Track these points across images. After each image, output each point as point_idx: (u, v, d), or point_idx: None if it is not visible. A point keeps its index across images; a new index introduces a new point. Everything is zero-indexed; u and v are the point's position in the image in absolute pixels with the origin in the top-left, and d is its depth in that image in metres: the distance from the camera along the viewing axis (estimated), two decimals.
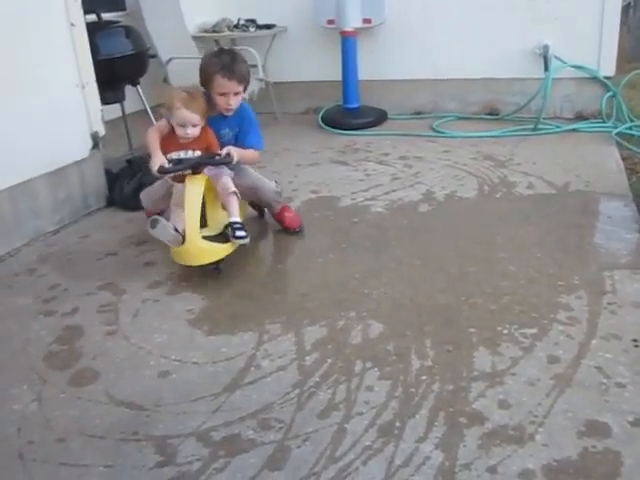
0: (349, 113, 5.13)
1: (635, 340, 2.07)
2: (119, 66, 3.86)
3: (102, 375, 2.06)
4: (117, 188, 3.62)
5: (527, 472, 1.56)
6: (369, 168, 4.06)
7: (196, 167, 2.64)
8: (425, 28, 5.09)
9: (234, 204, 2.70)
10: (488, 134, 4.65)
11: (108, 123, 3.72)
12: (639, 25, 7.50)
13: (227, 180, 2.73)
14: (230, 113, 2.83)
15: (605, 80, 4.78)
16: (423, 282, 2.54)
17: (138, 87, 4.16)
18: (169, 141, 2.72)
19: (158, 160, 2.63)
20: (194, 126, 2.66)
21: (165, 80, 4.48)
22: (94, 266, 2.87)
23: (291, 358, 2.08)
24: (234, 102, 2.80)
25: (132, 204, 3.53)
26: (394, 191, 3.60)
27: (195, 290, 2.58)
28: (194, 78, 4.57)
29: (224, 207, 2.76)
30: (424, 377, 1.94)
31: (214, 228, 2.73)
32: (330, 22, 5.09)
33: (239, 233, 2.65)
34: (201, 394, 1.93)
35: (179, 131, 2.68)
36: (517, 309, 2.30)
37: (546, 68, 4.77)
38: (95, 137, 3.53)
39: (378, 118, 5.17)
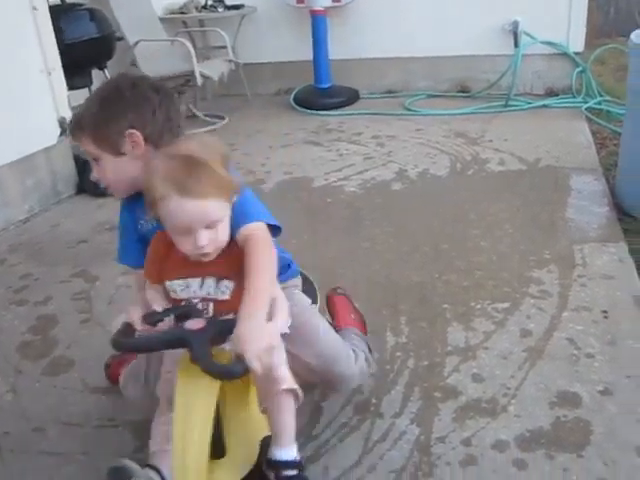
0: (321, 93, 5.10)
1: (604, 311, 2.11)
2: (85, 50, 3.80)
3: (77, 363, 2.05)
4: (87, 174, 3.56)
5: (501, 443, 1.60)
6: (342, 148, 4.05)
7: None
8: (395, 6, 5.06)
9: (289, 415, 1.40)
10: (459, 112, 4.66)
11: (76, 109, 3.65)
12: (608, 1, 7.54)
13: (280, 363, 1.37)
14: (111, 189, 1.55)
15: (574, 56, 4.81)
16: (398, 260, 2.56)
17: (105, 71, 4.09)
18: (173, 259, 1.36)
19: (133, 313, 1.34)
20: (210, 227, 1.28)
21: (133, 63, 4.41)
22: (66, 254, 2.84)
23: None
24: (101, 171, 1.51)
25: (102, 190, 3.48)
26: (367, 170, 3.61)
27: None
28: (163, 60, 4.53)
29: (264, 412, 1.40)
30: (399, 354, 1.97)
31: (241, 459, 1.38)
32: (300, 1, 5.04)
33: None
34: None
35: (185, 248, 1.30)
36: (490, 284, 2.33)
37: (516, 44, 4.79)
38: (63, 123, 3.46)
39: (350, 97, 5.15)
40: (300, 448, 1.61)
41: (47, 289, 2.53)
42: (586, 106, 4.48)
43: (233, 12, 5.27)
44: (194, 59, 4.31)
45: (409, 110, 4.81)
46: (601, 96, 4.65)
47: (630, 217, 2.77)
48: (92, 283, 2.55)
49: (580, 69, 4.79)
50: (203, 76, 4.39)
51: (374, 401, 1.77)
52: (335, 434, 1.67)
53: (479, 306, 2.19)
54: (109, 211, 3.27)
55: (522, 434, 1.62)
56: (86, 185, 3.55)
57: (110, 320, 2.22)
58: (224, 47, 4.91)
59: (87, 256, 2.80)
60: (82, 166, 3.61)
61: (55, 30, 3.41)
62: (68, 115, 3.49)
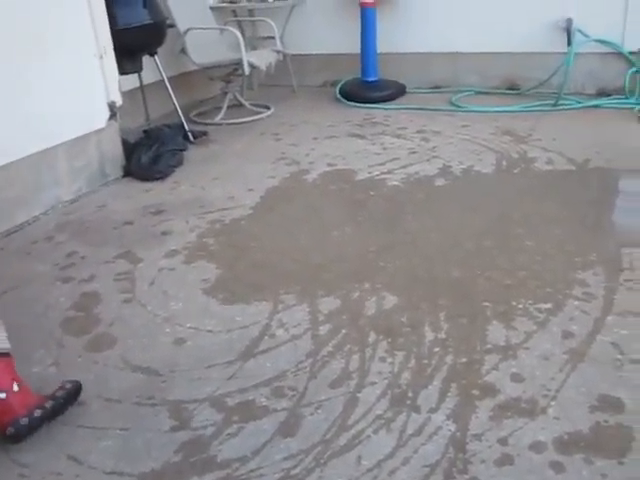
0: (367, 86, 5.08)
1: None
2: (137, 36, 3.85)
3: (119, 341, 2.09)
4: (134, 158, 3.64)
5: (538, 444, 1.57)
6: (386, 142, 4.03)
7: None
8: (445, 0, 5.01)
9: None
10: (507, 109, 4.58)
11: (125, 93, 3.72)
12: None
13: None
14: None
15: (629, 55, 4.68)
16: (438, 256, 2.53)
17: (156, 57, 4.14)
18: None
19: None
20: None
21: (183, 51, 4.46)
22: (111, 235, 2.90)
23: (305, 328, 2.10)
24: None
25: (149, 174, 3.56)
26: (411, 165, 3.58)
27: (211, 259, 2.60)
28: (212, 48, 4.58)
29: None
30: (437, 349, 1.95)
31: None
32: None
33: None
34: (216, 361, 1.95)
35: None
36: (532, 284, 2.29)
37: (569, 42, 4.68)
38: (112, 107, 3.53)
39: (396, 91, 5.12)
40: (334, 437, 1.62)
41: (92, 268, 2.59)
42: (639, 108, 4.36)
43: (283, 3, 5.28)
44: (243, 48, 4.34)
45: (456, 106, 4.76)
46: None
47: None
48: (135, 264, 2.59)
49: (634, 69, 4.65)
50: (251, 65, 4.41)
51: (410, 395, 1.76)
52: (370, 425, 1.66)
53: (521, 305, 2.16)
54: (155, 195, 3.34)
55: (561, 436, 1.59)
56: (133, 169, 3.61)
57: (150, 300, 2.27)
58: (272, 37, 4.92)
59: (132, 238, 2.84)
60: (130, 150, 3.68)
61: (108, 15, 3.47)
62: (118, 99, 3.56)
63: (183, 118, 4.26)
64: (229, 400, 1.78)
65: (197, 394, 1.81)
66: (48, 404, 1.70)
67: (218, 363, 1.94)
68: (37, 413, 1.67)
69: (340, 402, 1.75)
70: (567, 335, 1.99)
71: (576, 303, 2.15)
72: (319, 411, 1.72)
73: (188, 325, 2.15)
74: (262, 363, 1.93)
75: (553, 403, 1.70)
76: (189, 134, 4.18)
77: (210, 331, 2.11)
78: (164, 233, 2.87)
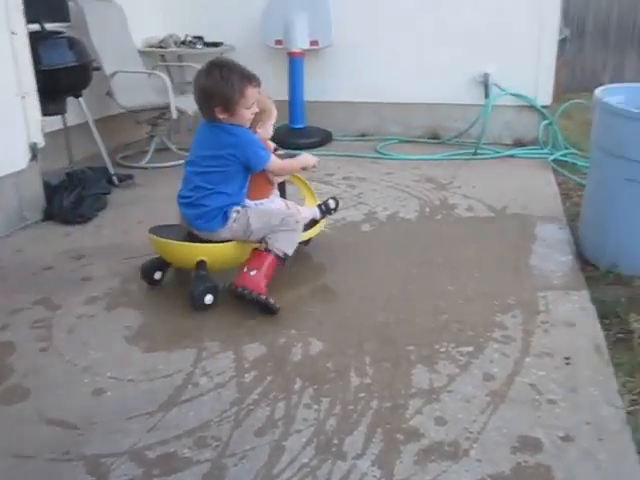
0: (295, 133, 5.16)
1: (567, 358, 2.13)
2: (61, 77, 3.79)
3: (33, 393, 1.99)
4: (56, 201, 3.53)
5: None
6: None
7: None
8: (370, 52, 5.19)
9: None
10: (430, 157, 4.75)
11: (49, 135, 3.63)
12: (575, 58, 7.83)
13: None
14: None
15: (542, 109, 4.97)
16: (364, 300, 2.56)
17: (80, 99, 4.08)
18: None
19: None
20: None
21: (108, 93, 4.41)
22: (29, 281, 2.78)
23: (230, 375, 2.06)
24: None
25: (71, 217, 3.46)
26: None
27: (133, 306, 2.53)
28: (139, 92, 4.54)
29: None
30: (362, 394, 1.96)
31: None
32: (278, 42, 5.13)
33: None
34: (136, 412, 1.88)
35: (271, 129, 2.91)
36: (454, 328, 2.34)
37: (486, 95, 4.93)
38: (34, 148, 3.43)
39: (323, 139, 5.22)
40: None
41: (6, 316, 2.46)
42: (552, 157, 4.61)
43: (211, 49, 5.32)
44: (171, 93, 4.34)
45: (380, 154, 4.89)
46: (567, 149, 4.78)
47: (592, 266, 2.83)
48: (54, 311, 2.50)
49: (547, 122, 4.94)
50: (178, 110, 4.41)
51: (336, 441, 1.75)
52: (295, 474, 1.64)
53: (443, 349, 2.20)
54: (76, 239, 3.24)
55: (483, 478, 1.62)
56: (54, 212, 3.50)
57: (68, 349, 2.19)
58: None
59: (50, 283, 2.74)
60: (51, 192, 3.58)
61: (33, 56, 3.41)
62: (40, 141, 3.47)
63: (108, 161, 4.19)
64: (150, 453, 1.71)
65: (116, 447, 1.74)
66: (258, 299, 2.40)
67: (139, 414, 1.88)
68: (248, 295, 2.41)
69: (265, 451, 1.72)
70: (488, 377, 2.04)
71: (496, 346, 2.22)
72: (244, 461, 1.68)
73: (108, 374, 2.08)
74: (185, 413, 1.88)
75: (475, 445, 1.73)
76: (114, 177, 4.11)
77: (131, 380, 2.05)
78: (85, 279, 2.78)
